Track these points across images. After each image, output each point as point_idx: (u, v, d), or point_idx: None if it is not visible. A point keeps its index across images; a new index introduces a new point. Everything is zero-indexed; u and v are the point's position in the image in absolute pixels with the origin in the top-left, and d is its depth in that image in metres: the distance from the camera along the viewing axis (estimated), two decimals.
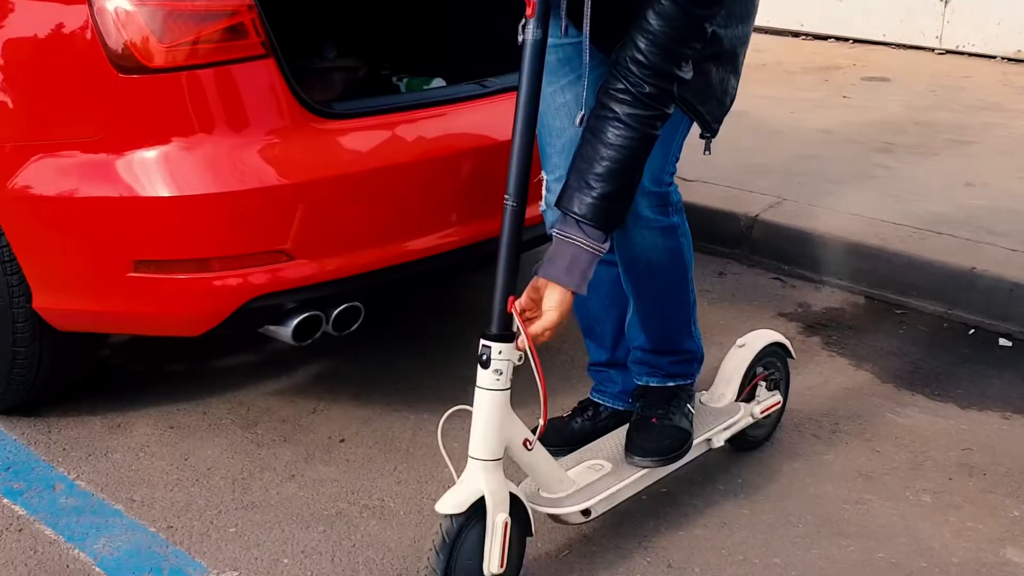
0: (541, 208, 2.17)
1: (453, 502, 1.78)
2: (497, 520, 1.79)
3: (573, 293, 1.79)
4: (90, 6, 2.02)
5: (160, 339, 2.74)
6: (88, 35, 2.02)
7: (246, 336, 2.94)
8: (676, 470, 2.18)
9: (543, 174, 2.15)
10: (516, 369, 1.82)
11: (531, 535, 1.92)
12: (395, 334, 2.99)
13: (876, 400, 2.71)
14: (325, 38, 3.19)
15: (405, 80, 3.08)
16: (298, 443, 2.45)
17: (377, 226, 2.22)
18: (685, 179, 3.69)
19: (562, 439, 2.22)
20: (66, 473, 2.32)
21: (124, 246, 2.10)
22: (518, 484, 1.94)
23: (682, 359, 2.23)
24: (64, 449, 2.41)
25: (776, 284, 3.45)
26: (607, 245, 1.81)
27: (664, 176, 2.05)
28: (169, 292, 2.11)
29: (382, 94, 2.87)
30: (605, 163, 1.76)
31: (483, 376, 1.79)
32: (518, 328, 1.77)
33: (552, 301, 1.78)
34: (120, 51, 2.01)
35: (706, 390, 2.35)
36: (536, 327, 1.77)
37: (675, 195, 2.10)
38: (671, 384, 2.22)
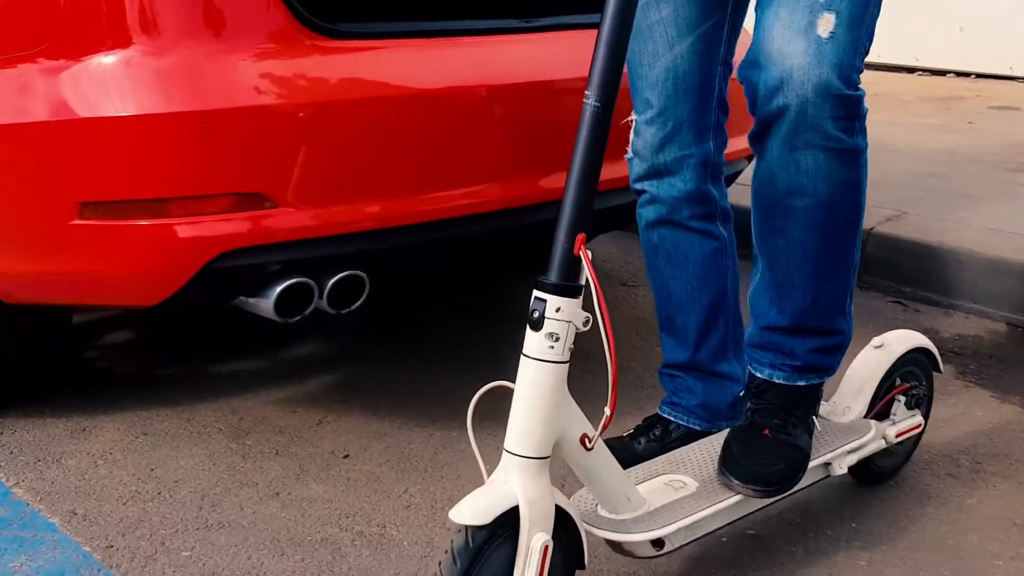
0: (628, 156, 1.71)
1: (475, 510, 1.27)
2: (535, 542, 1.29)
3: None
4: None
5: (151, 341, 2.34)
6: None
7: (246, 334, 2.53)
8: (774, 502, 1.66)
9: (632, 115, 1.69)
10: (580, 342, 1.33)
11: (582, 567, 1.41)
12: (422, 336, 2.55)
13: None
14: None
15: None
16: (292, 457, 2.00)
17: (389, 172, 1.77)
18: None
19: (621, 463, 1.71)
20: (3, 479, 1.91)
21: (67, 184, 1.69)
22: (570, 496, 1.46)
23: (826, 345, 1.68)
24: (11, 452, 2.01)
25: (896, 308, 2.90)
26: None
27: (854, 69, 1.48)
28: (120, 244, 1.69)
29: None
30: None
31: (533, 340, 1.29)
32: (588, 280, 1.29)
33: None
34: None
35: (826, 400, 1.82)
36: None
37: (864, 105, 1.54)
38: (802, 384, 1.68)
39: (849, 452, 1.70)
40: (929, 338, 2.01)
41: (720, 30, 1.62)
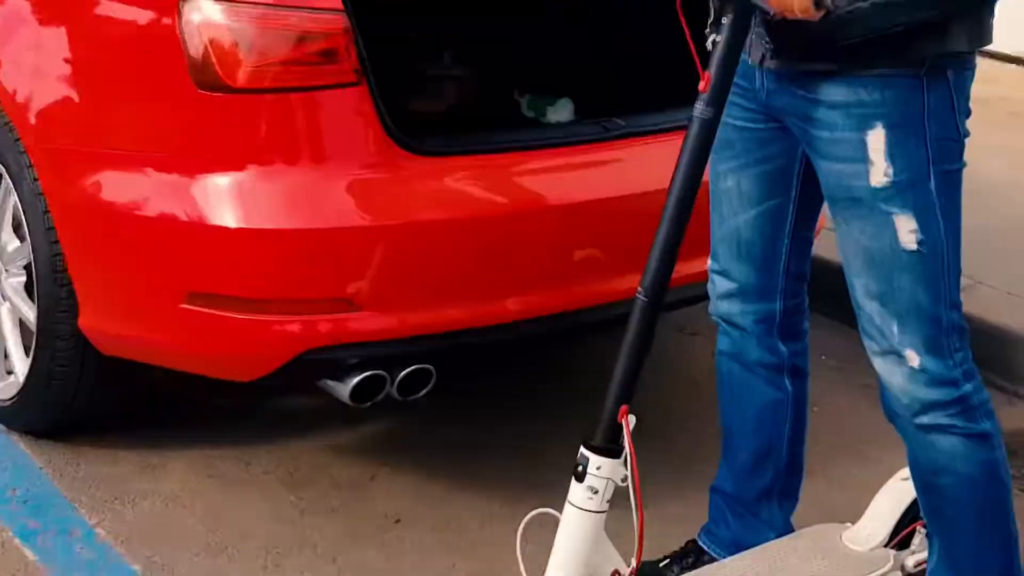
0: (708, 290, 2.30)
1: None
2: None
3: None
4: (178, 14, 2.30)
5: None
6: (171, 44, 2.31)
7: None
8: None
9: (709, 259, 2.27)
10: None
11: None
12: (474, 394, 3.21)
13: None
14: (443, 41, 3.44)
15: (527, 98, 3.29)
16: (348, 516, 2.67)
17: (460, 281, 2.44)
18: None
19: None
20: (87, 518, 2.59)
21: (181, 274, 2.38)
22: None
23: None
24: (90, 487, 2.69)
25: None
26: None
27: (949, 380, 2.00)
28: (222, 331, 2.38)
29: (498, 111, 3.10)
30: None
31: (576, 491, 1.91)
32: (624, 443, 1.88)
33: None
34: (202, 65, 2.29)
35: (851, 523, 2.39)
36: None
37: (975, 396, 2.04)
38: None
39: None
40: None
41: (785, 210, 2.18)
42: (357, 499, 2.75)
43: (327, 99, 2.33)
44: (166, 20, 2.34)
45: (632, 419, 1.91)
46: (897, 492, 2.37)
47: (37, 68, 2.67)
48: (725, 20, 1.86)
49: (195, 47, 2.30)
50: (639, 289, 1.92)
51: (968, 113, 1.98)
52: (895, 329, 1.97)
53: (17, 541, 2.50)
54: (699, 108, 1.86)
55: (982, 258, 3.91)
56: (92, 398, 2.75)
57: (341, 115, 2.35)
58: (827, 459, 3.00)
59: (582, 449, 1.92)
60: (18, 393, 2.79)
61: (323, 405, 3.06)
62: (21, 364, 2.78)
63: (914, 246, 1.93)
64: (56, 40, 2.67)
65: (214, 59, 2.29)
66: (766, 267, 2.20)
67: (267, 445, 2.91)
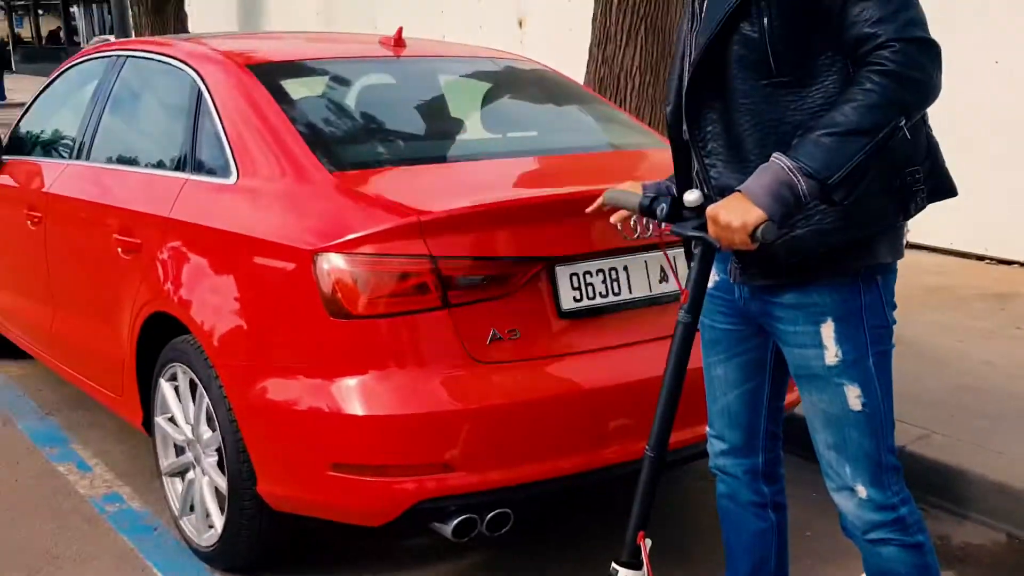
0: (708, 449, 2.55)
1: None
2: None
3: (759, 223, 1.93)
4: (313, 263, 2.72)
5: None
6: (309, 285, 2.72)
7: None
8: None
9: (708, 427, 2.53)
10: None
11: None
12: (552, 534, 3.47)
13: None
14: None
15: None
16: None
17: (526, 447, 2.76)
18: None
19: None
20: None
21: (326, 450, 2.73)
22: None
23: None
24: None
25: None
26: (812, 188, 1.92)
27: (889, 507, 2.21)
28: (357, 490, 2.72)
29: None
30: (838, 117, 1.93)
31: None
32: (643, 559, 2.16)
33: (732, 209, 1.96)
34: (331, 299, 2.69)
35: None
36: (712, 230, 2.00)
37: (909, 516, 2.24)
38: None
39: None
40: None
41: (761, 388, 2.43)
42: None
43: (421, 320, 2.70)
44: (304, 268, 2.74)
45: (648, 542, 2.19)
46: None
47: (216, 306, 3.06)
48: (696, 252, 2.20)
49: (326, 286, 2.70)
50: (647, 448, 2.22)
51: (894, 306, 2.21)
52: (848, 470, 2.21)
53: None
54: (681, 315, 2.18)
55: (937, 411, 4.16)
56: (270, 542, 3.07)
57: (431, 331, 2.71)
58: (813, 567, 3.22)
59: (613, 564, 2.21)
60: (217, 541, 3.13)
61: (433, 543, 3.35)
62: (218, 520, 3.11)
63: (859, 407, 2.17)
64: (228, 285, 3.06)
65: (340, 295, 2.69)
66: (750, 431, 2.44)
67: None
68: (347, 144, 3.29)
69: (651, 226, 2.92)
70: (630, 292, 3.01)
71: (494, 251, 2.80)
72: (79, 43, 32.12)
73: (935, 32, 1.99)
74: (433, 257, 2.69)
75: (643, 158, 3.62)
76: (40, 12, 42.11)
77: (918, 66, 1.93)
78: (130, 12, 13.09)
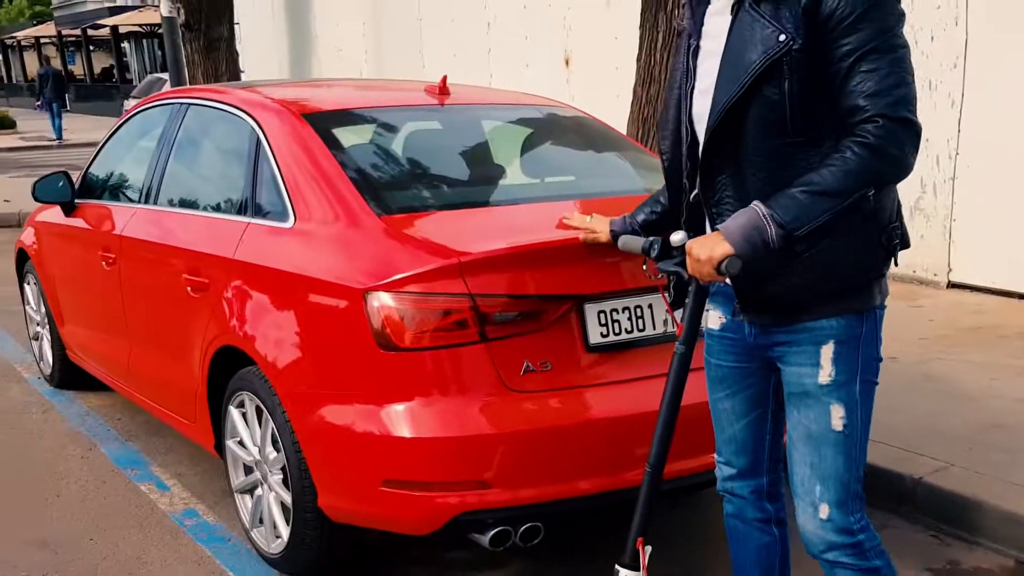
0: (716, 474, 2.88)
1: None
2: None
3: (724, 257, 2.25)
4: (364, 301, 3.13)
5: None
6: (361, 320, 3.13)
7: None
8: None
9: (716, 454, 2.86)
10: None
11: None
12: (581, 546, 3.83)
13: None
14: None
15: None
16: None
17: (555, 468, 3.13)
18: None
19: None
20: None
21: (378, 468, 3.13)
22: None
23: None
24: None
25: (933, 541, 4.02)
26: (779, 236, 2.23)
27: (849, 530, 2.47)
28: (405, 503, 3.12)
29: None
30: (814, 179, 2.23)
31: None
32: (641, 564, 2.53)
33: (703, 244, 2.30)
34: (381, 333, 3.10)
35: None
36: (688, 263, 2.34)
37: (868, 543, 2.50)
38: None
39: None
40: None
41: (764, 417, 2.67)
42: None
43: (461, 353, 3.10)
44: (356, 305, 3.16)
45: (648, 548, 2.56)
46: None
47: (278, 339, 3.48)
48: (690, 290, 2.55)
49: (375, 322, 3.11)
50: (647, 463, 2.59)
51: (881, 342, 2.49)
52: (818, 488, 2.47)
53: None
54: (677, 347, 2.55)
55: (957, 445, 4.47)
56: (331, 550, 3.48)
57: (470, 363, 3.11)
58: None
59: (616, 566, 2.59)
60: (284, 549, 3.56)
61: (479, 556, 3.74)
62: (284, 531, 3.54)
63: (840, 428, 2.43)
64: (287, 321, 3.47)
65: (388, 330, 3.10)
66: (755, 456, 2.75)
67: None
68: (394, 189, 3.71)
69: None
70: (654, 328, 3.38)
71: (528, 289, 3.18)
72: (131, 80, 33.19)
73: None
74: (472, 295, 3.09)
75: None
76: (92, 48, 43.60)
77: (897, 144, 2.20)
78: (183, 51, 13.77)
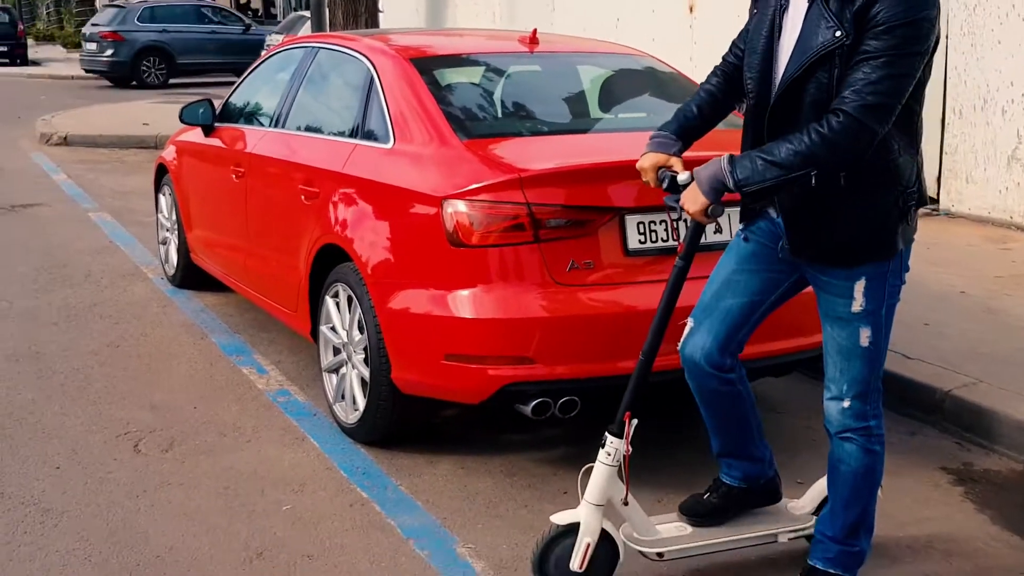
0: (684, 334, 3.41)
1: (558, 517, 3.20)
2: (582, 540, 3.13)
3: (705, 207, 2.94)
4: (441, 207, 3.88)
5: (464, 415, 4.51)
6: (437, 223, 3.89)
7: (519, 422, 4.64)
8: (745, 553, 3.48)
9: (689, 319, 3.42)
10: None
11: (619, 559, 3.22)
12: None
13: (980, 541, 3.74)
14: None
15: None
16: (536, 489, 4.05)
17: (590, 350, 3.83)
18: (905, 355, 4.95)
19: (700, 510, 3.56)
20: (397, 481, 4.08)
21: (442, 343, 3.90)
22: (619, 527, 3.27)
23: (849, 551, 3.19)
24: (399, 463, 4.20)
25: (955, 447, 4.56)
26: (727, 188, 2.88)
27: (867, 415, 3.08)
28: (461, 374, 3.87)
29: None
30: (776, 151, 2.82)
31: (601, 453, 3.14)
32: (625, 432, 3.14)
33: (688, 197, 2.98)
34: (452, 233, 3.85)
35: (797, 498, 3.58)
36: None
37: (876, 430, 3.09)
38: (831, 572, 3.20)
39: (793, 532, 3.46)
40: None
41: (761, 305, 3.19)
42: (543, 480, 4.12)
43: (517, 251, 3.83)
44: (435, 210, 3.92)
45: (635, 421, 3.18)
46: (821, 485, 3.47)
47: (371, 239, 4.27)
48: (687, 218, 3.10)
49: (449, 224, 3.87)
50: (640, 353, 3.20)
51: (908, 269, 3.06)
52: (845, 387, 3.06)
53: (359, 491, 4.02)
54: (677, 261, 3.14)
55: (990, 366, 4.96)
56: (398, 420, 4.27)
57: (526, 259, 3.83)
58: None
59: (606, 432, 3.21)
60: (359, 419, 4.35)
61: (529, 439, 4.49)
62: (361, 403, 4.33)
63: (867, 344, 3.02)
64: (379, 223, 4.27)
65: (458, 230, 3.85)
66: (729, 334, 3.24)
67: (502, 466, 4.29)
68: (477, 119, 4.47)
69: None
70: None
71: (576, 201, 3.88)
72: (275, 16, 34.68)
73: None
74: (529, 204, 3.81)
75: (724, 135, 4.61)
76: None
77: (849, 140, 2.73)
78: None
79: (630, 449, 3.16)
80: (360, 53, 4.92)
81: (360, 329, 4.29)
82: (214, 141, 6.02)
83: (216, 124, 6.06)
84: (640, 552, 3.33)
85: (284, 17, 27.18)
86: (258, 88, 6.01)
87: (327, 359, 4.62)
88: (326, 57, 5.32)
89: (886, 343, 3.10)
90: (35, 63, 29.71)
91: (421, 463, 4.24)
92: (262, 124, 5.67)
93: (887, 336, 3.09)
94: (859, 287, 2.98)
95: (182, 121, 6.16)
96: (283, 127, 5.37)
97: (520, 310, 3.81)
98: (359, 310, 4.26)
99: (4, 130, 15.03)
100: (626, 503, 3.24)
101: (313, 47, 5.49)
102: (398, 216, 4.17)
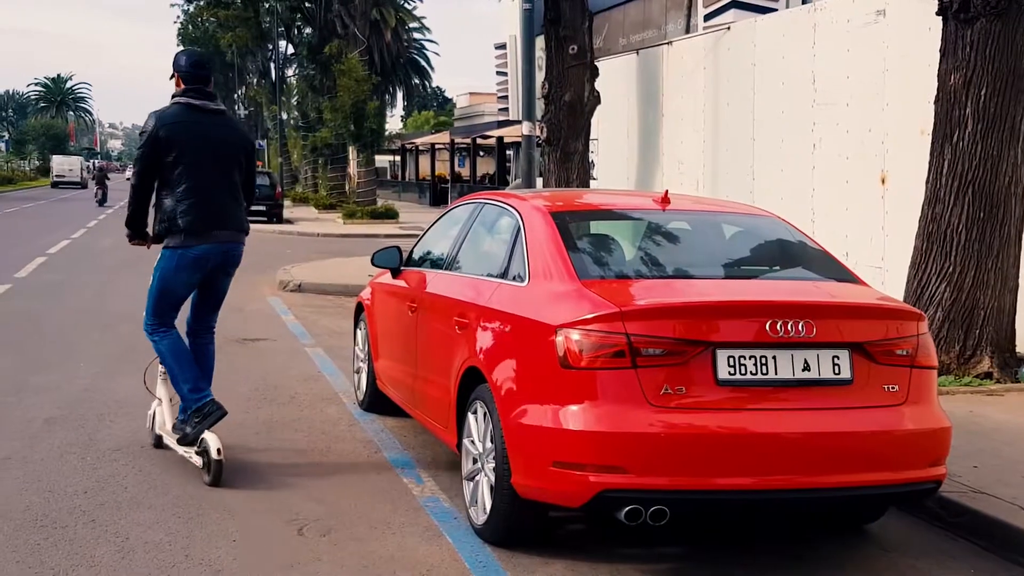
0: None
1: None
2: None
3: None
4: (555, 335, 4.58)
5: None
6: (551, 349, 4.59)
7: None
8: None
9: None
10: None
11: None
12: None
13: None
14: None
15: None
16: None
17: (679, 465, 4.37)
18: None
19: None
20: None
21: (551, 452, 4.53)
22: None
23: None
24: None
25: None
26: None
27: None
28: (565, 480, 4.48)
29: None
30: None
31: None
32: None
33: None
34: (563, 357, 4.53)
35: None
36: None
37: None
38: None
39: None
40: None
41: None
42: None
43: (617, 375, 4.46)
44: (550, 337, 4.63)
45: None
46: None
47: (500, 360, 5.00)
48: None
49: (560, 349, 4.56)
50: None
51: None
52: None
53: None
54: None
55: None
56: (518, 520, 4.88)
57: (625, 382, 4.45)
58: None
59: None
60: (486, 520, 5.00)
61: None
62: (489, 505, 4.98)
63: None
64: (507, 347, 5.02)
65: (568, 355, 4.53)
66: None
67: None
68: (597, 264, 5.19)
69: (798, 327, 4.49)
70: (776, 373, 4.56)
71: (671, 334, 4.49)
72: (508, 182, 36.93)
73: None
74: (628, 335, 4.46)
75: (831, 290, 5.15)
76: (480, 154, 48.80)
77: None
78: (540, 161, 16.03)
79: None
80: (512, 207, 5.79)
81: (491, 440, 4.97)
82: (399, 282, 6.97)
83: (402, 268, 7.03)
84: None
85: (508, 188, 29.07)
86: (436, 237, 6.99)
87: (467, 468, 5.31)
88: (488, 211, 6.23)
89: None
90: (288, 221, 32.70)
91: (537, 562, 4.84)
92: (434, 266, 6.60)
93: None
94: None
95: (374, 265, 7.17)
96: (449, 269, 6.27)
97: (616, 425, 4.42)
98: (491, 424, 4.96)
99: (251, 277, 16.78)
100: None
101: (479, 203, 6.43)
102: (522, 342, 4.90)
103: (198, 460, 5.93)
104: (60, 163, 73.55)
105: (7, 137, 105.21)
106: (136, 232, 6.27)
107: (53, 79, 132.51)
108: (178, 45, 63.81)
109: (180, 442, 6.10)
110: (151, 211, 6.15)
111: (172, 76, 6.26)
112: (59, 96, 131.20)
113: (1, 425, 7.09)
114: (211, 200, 6.05)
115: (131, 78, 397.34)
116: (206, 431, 5.95)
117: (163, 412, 6.43)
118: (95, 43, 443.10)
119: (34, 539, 4.97)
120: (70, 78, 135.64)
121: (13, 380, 8.53)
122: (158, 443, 6.45)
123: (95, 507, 5.44)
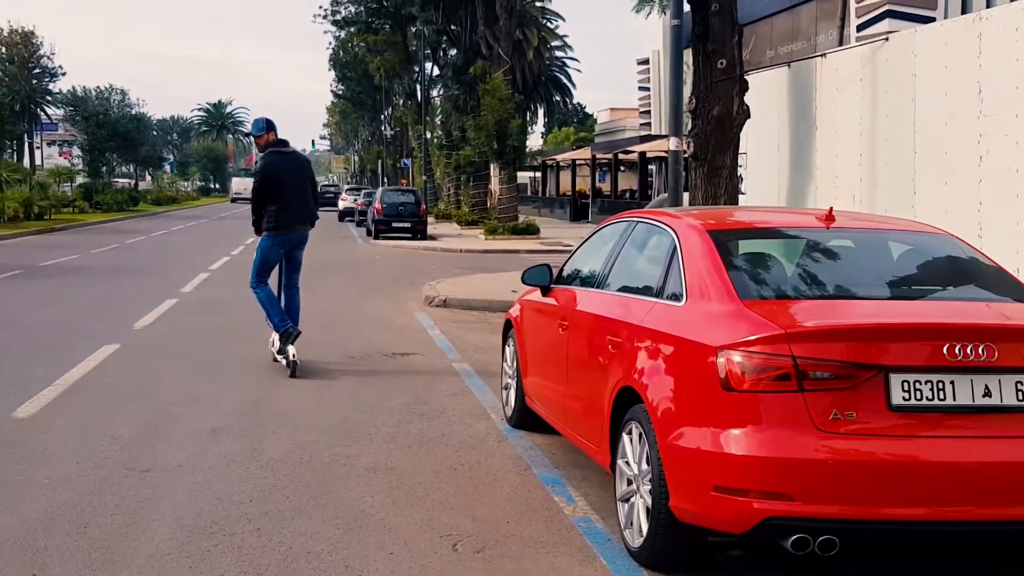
0: None
1: None
2: None
3: None
4: (716, 356, 4.46)
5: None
6: (711, 370, 4.46)
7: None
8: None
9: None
10: None
11: None
12: None
13: None
14: None
15: None
16: None
17: (848, 494, 4.18)
18: None
19: None
20: None
21: (712, 476, 4.40)
22: None
23: None
24: None
25: None
26: None
27: None
28: (728, 505, 4.34)
29: None
30: None
31: None
32: None
33: None
34: (725, 380, 4.40)
35: None
36: None
37: None
38: None
39: None
40: None
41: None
42: None
43: (782, 398, 4.31)
44: (711, 358, 4.50)
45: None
46: None
47: (659, 384, 4.89)
48: None
49: (722, 371, 4.43)
50: None
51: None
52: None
53: None
54: None
55: None
56: (676, 544, 4.76)
57: (790, 406, 4.30)
58: None
59: None
60: (642, 544, 4.89)
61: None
62: (645, 528, 4.87)
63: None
64: (664, 367, 4.89)
65: (730, 377, 4.39)
66: None
67: None
68: (759, 283, 5.03)
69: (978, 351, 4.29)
70: (954, 399, 4.33)
71: (840, 357, 4.32)
72: (650, 197, 36.64)
73: None
74: (794, 357, 4.31)
75: (1009, 311, 4.90)
76: (621, 169, 48.64)
77: None
78: (686, 176, 15.82)
79: None
80: (667, 226, 5.68)
81: (647, 462, 4.87)
82: (549, 300, 6.93)
83: (552, 285, 6.99)
84: None
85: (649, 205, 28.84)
86: (587, 255, 6.91)
87: (621, 489, 5.22)
88: (641, 229, 6.13)
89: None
90: (432, 238, 33.14)
91: None
92: (585, 285, 6.52)
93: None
94: None
95: (524, 283, 7.15)
96: (601, 288, 6.19)
97: (782, 450, 4.26)
98: (647, 445, 4.86)
99: (398, 292, 17.20)
100: None
101: (632, 221, 6.33)
102: (680, 363, 4.78)
103: (283, 361, 9.73)
104: (238, 183, 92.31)
105: (173, 160, 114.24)
106: (256, 228, 10.22)
107: (215, 104, 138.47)
108: (329, 70, 73.60)
109: (278, 352, 9.95)
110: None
111: (261, 133, 10.29)
112: (220, 120, 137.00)
113: (173, 434, 7.41)
114: (293, 206, 10.10)
115: (286, 101, 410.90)
116: (289, 344, 9.71)
117: (273, 341, 10.15)
118: (255, 70, 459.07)
119: (204, 545, 5.14)
120: (230, 103, 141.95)
121: (184, 391, 8.93)
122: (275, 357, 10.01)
123: (260, 515, 5.59)
